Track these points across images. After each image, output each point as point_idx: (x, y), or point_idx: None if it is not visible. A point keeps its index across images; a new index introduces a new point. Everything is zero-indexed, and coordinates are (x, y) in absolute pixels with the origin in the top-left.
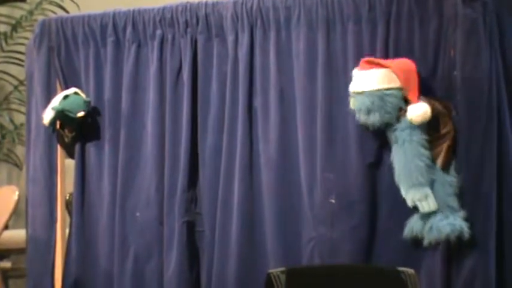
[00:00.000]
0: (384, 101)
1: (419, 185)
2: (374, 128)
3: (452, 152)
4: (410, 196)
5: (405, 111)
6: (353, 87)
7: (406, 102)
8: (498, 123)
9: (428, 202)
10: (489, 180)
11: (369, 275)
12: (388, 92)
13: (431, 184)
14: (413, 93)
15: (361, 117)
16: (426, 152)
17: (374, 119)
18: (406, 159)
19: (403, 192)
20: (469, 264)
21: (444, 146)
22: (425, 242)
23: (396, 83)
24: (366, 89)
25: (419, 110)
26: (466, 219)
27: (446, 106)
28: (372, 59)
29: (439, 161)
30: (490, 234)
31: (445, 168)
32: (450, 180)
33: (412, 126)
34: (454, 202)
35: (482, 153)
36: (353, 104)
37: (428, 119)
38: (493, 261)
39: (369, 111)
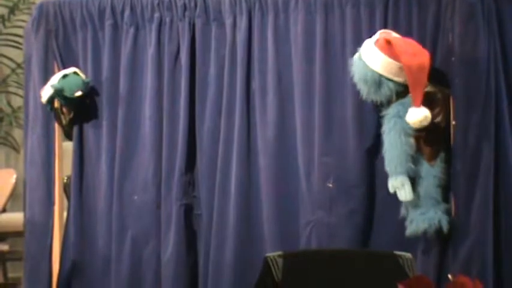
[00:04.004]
0: (379, 85)
1: (397, 174)
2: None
3: (438, 145)
4: (389, 183)
5: (396, 98)
6: (362, 53)
7: (403, 94)
8: (496, 108)
9: (405, 190)
10: (486, 165)
11: (366, 259)
12: (387, 81)
13: (417, 174)
14: (417, 94)
15: (355, 78)
16: (409, 141)
17: (363, 90)
18: (390, 147)
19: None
20: (466, 250)
21: (433, 138)
22: (407, 234)
23: (399, 78)
24: (370, 65)
25: (418, 115)
26: (449, 211)
27: (446, 95)
28: (393, 41)
29: (425, 154)
30: (487, 219)
31: (431, 160)
32: (435, 171)
33: (400, 116)
34: (437, 194)
35: (480, 137)
36: (355, 63)
37: (427, 124)
38: (491, 247)
39: (363, 81)
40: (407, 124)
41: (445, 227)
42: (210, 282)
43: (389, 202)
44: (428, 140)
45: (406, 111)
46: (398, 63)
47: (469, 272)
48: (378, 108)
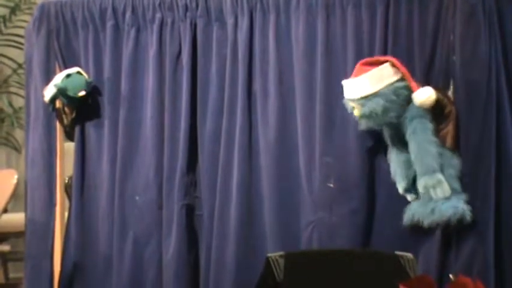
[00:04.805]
0: (397, 94)
1: (433, 172)
2: (384, 127)
3: (458, 135)
4: (422, 183)
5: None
6: (360, 93)
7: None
8: (497, 108)
9: (442, 188)
10: (488, 164)
11: (368, 259)
12: (399, 84)
13: (441, 168)
14: (410, 81)
15: (371, 122)
16: (435, 138)
17: (391, 117)
18: (419, 147)
19: (399, 188)
20: (467, 248)
21: (450, 126)
22: (425, 224)
23: (398, 75)
24: (379, 87)
25: (426, 94)
26: (467, 202)
27: (440, 89)
28: (368, 59)
29: (448, 142)
30: (488, 218)
31: (454, 147)
32: (454, 162)
33: (421, 114)
34: (457, 184)
35: (481, 137)
36: (360, 111)
37: (434, 101)
38: (492, 245)
39: (385, 111)
40: (430, 122)
41: (468, 216)
42: (212, 283)
43: (390, 202)
44: (448, 128)
45: (422, 109)
46: (385, 64)
47: (470, 272)
48: None
